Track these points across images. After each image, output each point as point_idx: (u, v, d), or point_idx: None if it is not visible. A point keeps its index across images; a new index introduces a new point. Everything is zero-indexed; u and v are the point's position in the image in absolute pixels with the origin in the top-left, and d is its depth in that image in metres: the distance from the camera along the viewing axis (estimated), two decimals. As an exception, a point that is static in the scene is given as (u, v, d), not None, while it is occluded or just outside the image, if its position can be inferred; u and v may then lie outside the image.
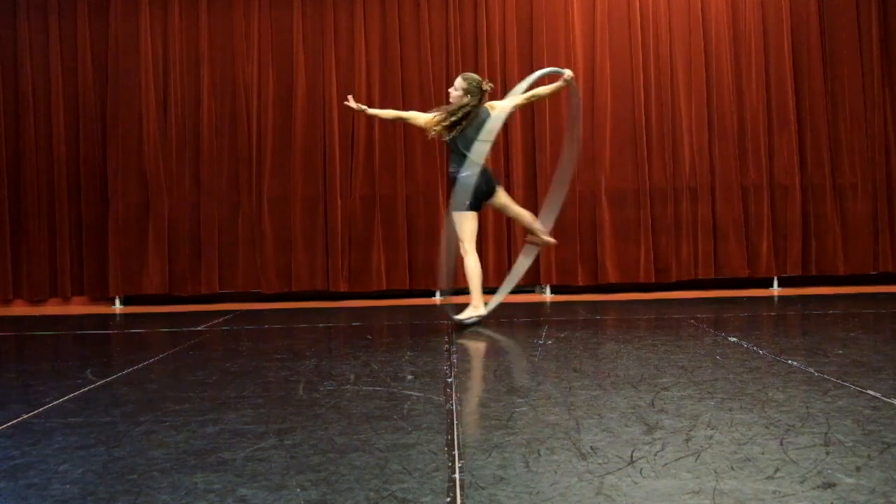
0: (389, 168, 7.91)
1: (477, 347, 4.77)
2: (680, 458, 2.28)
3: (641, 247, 7.86)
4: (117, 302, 7.93)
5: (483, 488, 2.08)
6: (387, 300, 7.78)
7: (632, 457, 2.31)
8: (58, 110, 7.97)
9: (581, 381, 3.42)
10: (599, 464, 2.25)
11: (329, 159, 7.93)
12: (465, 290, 5.52)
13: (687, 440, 2.46)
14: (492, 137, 5.29)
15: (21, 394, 3.56)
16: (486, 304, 5.52)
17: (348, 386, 3.49)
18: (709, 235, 7.90)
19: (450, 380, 3.58)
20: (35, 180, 7.98)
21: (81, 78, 7.98)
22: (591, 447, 2.42)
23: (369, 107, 6.08)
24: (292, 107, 7.95)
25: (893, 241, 7.96)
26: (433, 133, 5.42)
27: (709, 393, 3.12)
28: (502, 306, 6.00)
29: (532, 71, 6.18)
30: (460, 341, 4.83)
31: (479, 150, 5.22)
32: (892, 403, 2.86)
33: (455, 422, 2.79)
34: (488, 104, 5.40)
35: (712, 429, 2.58)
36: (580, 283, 7.87)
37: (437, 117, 5.39)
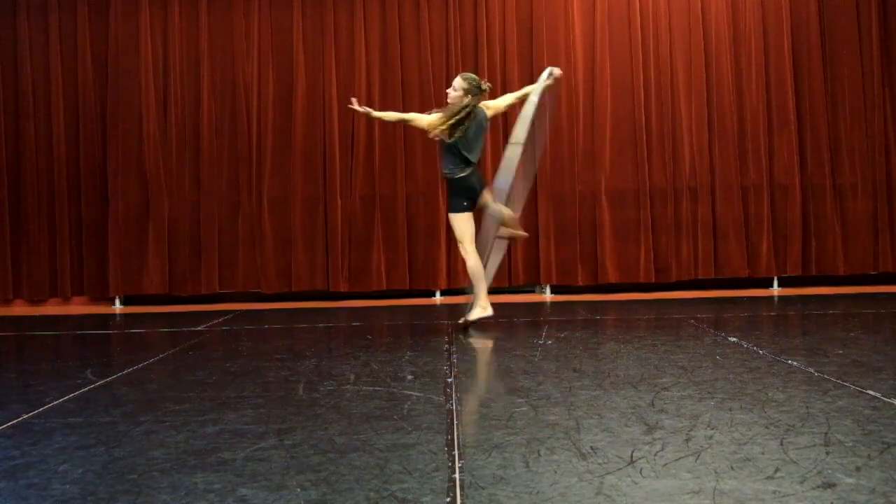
0: (389, 168, 7.91)
1: (477, 347, 4.77)
2: (680, 458, 2.28)
3: (641, 247, 7.86)
4: (117, 302, 7.92)
5: (483, 488, 2.08)
6: (387, 300, 7.77)
7: (632, 457, 2.30)
8: (58, 110, 7.97)
9: (581, 381, 3.42)
10: (599, 464, 2.25)
11: (329, 159, 7.93)
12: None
13: (687, 440, 2.46)
14: (522, 139, 5.44)
15: (21, 394, 3.56)
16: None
17: (348, 386, 3.49)
18: (709, 235, 7.90)
19: (450, 380, 3.58)
20: (35, 180, 7.98)
21: (81, 78, 7.98)
22: (591, 447, 2.41)
23: (371, 108, 6.07)
24: (292, 107, 7.95)
25: (893, 241, 7.96)
26: (436, 134, 5.42)
27: (709, 393, 3.12)
28: (503, 306, 5.99)
29: (532, 71, 6.16)
30: (460, 341, 4.83)
31: (511, 155, 5.43)
32: (892, 403, 2.86)
33: (455, 422, 2.79)
34: (482, 104, 5.42)
35: (712, 429, 2.58)
36: (580, 283, 7.87)
37: (440, 118, 5.39)
